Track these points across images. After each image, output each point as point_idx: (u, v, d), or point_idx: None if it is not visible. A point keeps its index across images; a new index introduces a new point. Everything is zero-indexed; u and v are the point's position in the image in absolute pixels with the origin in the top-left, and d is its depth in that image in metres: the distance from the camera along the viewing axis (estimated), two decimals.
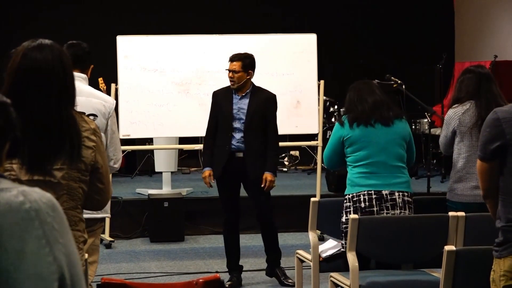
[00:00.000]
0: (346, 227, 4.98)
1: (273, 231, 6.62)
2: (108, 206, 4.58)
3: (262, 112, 6.47)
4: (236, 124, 6.44)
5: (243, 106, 6.46)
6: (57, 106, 2.78)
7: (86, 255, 3.26)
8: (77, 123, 2.87)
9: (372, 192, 5.01)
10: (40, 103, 2.78)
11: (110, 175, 8.09)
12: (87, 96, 4.42)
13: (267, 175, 6.42)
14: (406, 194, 5.07)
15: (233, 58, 6.52)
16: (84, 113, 3.11)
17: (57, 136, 2.78)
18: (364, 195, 5.01)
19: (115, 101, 4.72)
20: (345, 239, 4.98)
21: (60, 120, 2.77)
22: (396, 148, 5.11)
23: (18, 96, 2.74)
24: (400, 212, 4.99)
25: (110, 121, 4.50)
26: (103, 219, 4.49)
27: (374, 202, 4.99)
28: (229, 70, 6.48)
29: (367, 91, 5.20)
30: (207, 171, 6.50)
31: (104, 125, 4.51)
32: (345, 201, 5.10)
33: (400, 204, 5.02)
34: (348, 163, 5.17)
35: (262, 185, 6.38)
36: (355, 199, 5.03)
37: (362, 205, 4.99)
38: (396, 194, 5.03)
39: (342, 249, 5.12)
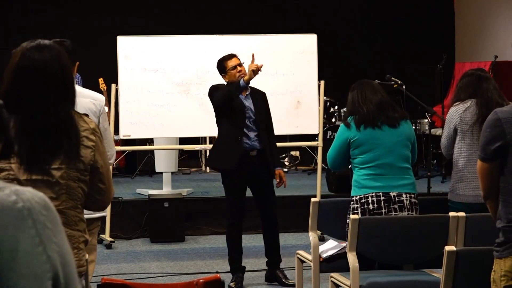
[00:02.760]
0: None
1: (277, 231, 6.62)
2: None
3: (264, 110, 6.49)
4: (248, 122, 6.39)
5: (250, 105, 6.42)
6: (55, 106, 2.80)
7: (87, 255, 3.25)
8: (75, 122, 2.88)
9: (380, 194, 4.99)
10: (38, 103, 2.79)
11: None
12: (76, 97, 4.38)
13: (281, 171, 6.50)
14: (412, 195, 5.08)
15: (237, 55, 6.46)
16: (87, 115, 3.11)
17: (55, 135, 2.78)
18: (372, 197, 4.99)
19: (104, 98, 4.70)
20: None
21: (58, 119, 2.79)
22: (402, 149, 5.11)
23: (17, 96, 2.77)
24: (408, 214, 5.00)
25: (101, 118, 4.48)
26: (99, 218, 4.47)
27: (382, 204, 4.98)
28: (239, 64, 6.36)
29: (370, 91, 5.16)
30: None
31: (96, 123, 4.49)
32: (352, 202, 5.07)
33: (408, 206, 5.02)
34: (354, 164, 5.14)
35: (278, 181, 6.48)
36: (362, 200, 5.01)
37: (370, 207, 4.98)
38: (404, 195, 5.03)
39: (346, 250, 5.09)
